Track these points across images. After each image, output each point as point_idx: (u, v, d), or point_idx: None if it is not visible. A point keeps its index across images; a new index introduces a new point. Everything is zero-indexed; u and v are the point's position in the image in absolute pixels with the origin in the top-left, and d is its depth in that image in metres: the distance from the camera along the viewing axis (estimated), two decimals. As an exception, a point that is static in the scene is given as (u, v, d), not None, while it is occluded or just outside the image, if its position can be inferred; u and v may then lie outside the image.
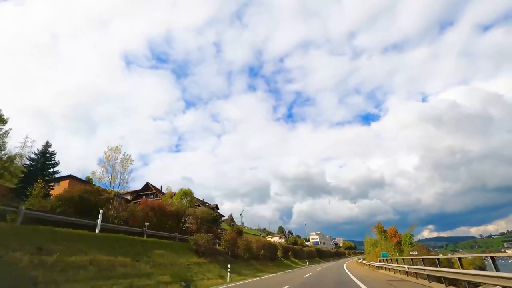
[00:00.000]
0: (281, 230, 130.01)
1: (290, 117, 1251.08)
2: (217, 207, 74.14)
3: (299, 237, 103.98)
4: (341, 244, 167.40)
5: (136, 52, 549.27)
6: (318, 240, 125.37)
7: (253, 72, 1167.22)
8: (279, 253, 44.59)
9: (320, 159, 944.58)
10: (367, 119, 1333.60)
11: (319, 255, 75.92)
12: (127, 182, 19.55)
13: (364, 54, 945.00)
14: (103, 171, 18.88)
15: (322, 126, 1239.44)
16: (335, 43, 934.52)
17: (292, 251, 52.83)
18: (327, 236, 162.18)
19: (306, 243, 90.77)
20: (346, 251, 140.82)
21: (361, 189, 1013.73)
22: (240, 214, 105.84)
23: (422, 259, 14.05)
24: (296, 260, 49.81)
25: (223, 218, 70.62)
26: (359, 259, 58.12)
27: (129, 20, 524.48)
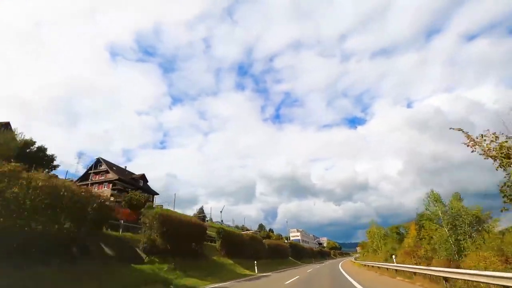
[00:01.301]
0: (261, 228, 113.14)
1: (278, 117, 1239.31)
2: (144, 178, 52.44)
3: (280, 236, 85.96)
4: (325, 244, 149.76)
5: (122, 44, 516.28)
6: (299, 238, 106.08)
7: (243, 70, 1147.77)
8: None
9: (306, 160, 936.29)
10: (354, 122, 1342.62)
11: (296, 254, 55.59)
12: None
13: (354, 57, 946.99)
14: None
15: (310, 128, 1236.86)
16: (326, 45, 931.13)
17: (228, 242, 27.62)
18: (311, 235, 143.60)
19: (285, 242, 72.65)
20: (332, 251, 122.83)
21: (346, 192, 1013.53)
22: (220, 212, 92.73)
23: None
24: (237, 262, 25.69)
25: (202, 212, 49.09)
26: (354, 259, 50.08)
27: (116, 11, 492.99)
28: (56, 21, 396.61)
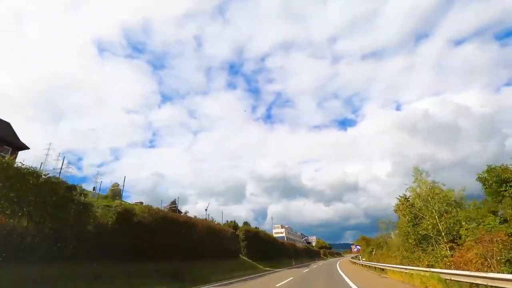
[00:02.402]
0: (246, 224, 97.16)
1: (269, 117, 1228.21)
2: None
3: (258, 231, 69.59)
4: (314, 243, 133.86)
5: (110, 39, 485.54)
6: (284, 235, 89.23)
7: (234, 69, 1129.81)
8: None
9: (297, 161, 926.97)
10: (344, 124, 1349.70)
11: (274, 252, 38.22)
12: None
13: (344, 59, 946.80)
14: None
15: (301, 129, 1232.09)
16: (317, 46, 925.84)
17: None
18: (298, 233, 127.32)
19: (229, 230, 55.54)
20: (321, 251, 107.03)
21: (336, 193, 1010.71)
22: (205, 210, 77.48)
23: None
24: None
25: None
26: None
27: (103, 4, 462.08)
28: (38, 13, 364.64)
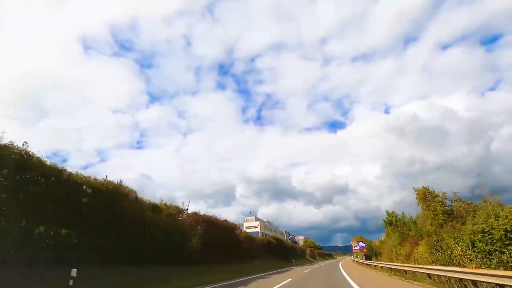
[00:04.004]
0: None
1: (259, 119, 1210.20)
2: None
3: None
4: (301, 243, 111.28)
5: (96, 36, 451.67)
6: (258, 230, 65.75)
7: (223, 70, 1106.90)
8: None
9: (287, 163, 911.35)
10: (334, 126, 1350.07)
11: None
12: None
13: (335, 61, 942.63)
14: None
15: (291, 131, 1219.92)
16: (307, 48, 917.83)
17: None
18: (282, 231, 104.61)
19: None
20: (308, 250, 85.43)
21: (326, 195, 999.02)
22: (186, 208, 53.92)
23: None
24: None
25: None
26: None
27: (89, 0, 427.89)
28: (19, 6, 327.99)
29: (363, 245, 50.98)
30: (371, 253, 49.37)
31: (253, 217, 70.55)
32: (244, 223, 67.52)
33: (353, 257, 65.18)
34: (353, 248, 53.67)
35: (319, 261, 69.02)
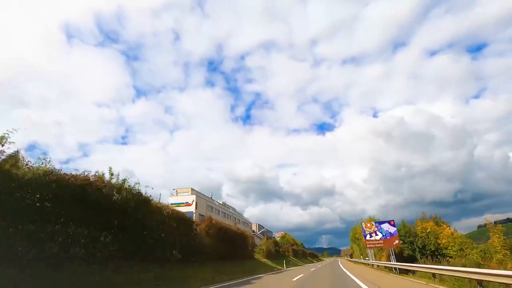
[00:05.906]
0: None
1: (248, 118, 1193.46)
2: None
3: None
4: (278, 240, 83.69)
5: (80, 25, 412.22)
6: (193, 209, 36.55)
7: (213, 66, 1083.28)
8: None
9: (275, 163, 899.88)
10: (323, 128, 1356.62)
11: None
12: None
13: (325, 63, 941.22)
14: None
15: (280, 132, 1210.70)
16: (298, 48, 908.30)
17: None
18: (255, 224, 76.66)
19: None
20: (291, 248, 57.91)
21: (313, 196, 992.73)
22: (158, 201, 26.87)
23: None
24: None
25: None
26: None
27: None
28: None
29: (394, 230, 23.70)
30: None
31: (189, 188, 41.30)
32: (170, 197, 38.41)
33: (363, 259, 38.14)
34: (366, 236, 26.13)
35: (299, 265, 41.07)
